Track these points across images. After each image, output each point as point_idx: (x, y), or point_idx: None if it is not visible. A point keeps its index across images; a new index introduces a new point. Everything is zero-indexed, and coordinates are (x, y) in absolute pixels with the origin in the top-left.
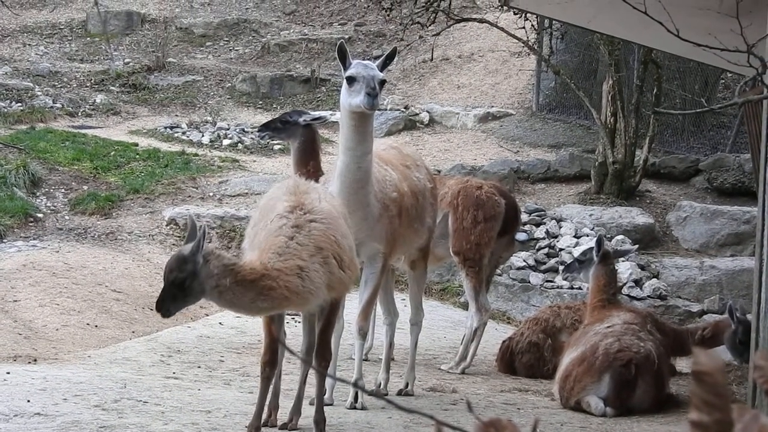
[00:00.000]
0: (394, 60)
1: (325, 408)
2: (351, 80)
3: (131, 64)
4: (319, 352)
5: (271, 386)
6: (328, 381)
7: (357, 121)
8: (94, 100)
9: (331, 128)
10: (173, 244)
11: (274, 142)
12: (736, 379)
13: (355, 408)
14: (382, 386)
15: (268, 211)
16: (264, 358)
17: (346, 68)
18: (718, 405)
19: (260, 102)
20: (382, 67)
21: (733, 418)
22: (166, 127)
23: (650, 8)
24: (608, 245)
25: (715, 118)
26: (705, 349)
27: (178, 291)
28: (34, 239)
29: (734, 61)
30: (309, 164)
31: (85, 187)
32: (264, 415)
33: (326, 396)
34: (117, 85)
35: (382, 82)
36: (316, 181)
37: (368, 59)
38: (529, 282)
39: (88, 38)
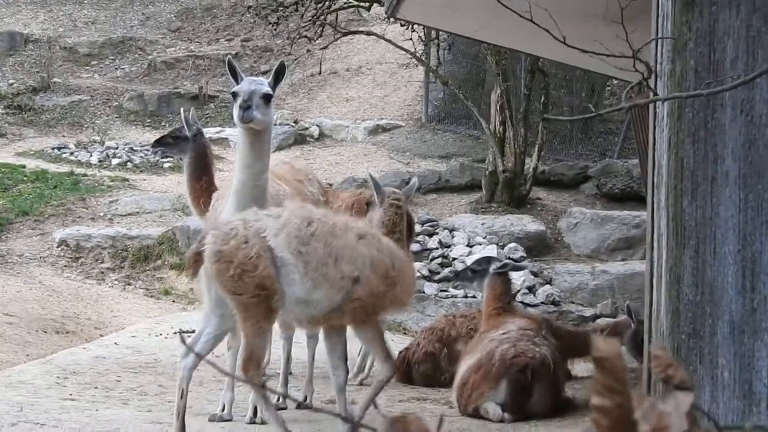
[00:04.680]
0: (285, 74)
1: (225, 424)
2: (234, 96)
3: (15, 85)
4: None
5: None
6: (227, 397)
7: (251, 138)
8: None
9: (220, 144)
10: (65, 266)
11: (165, 159)
12: (631, 380)
13: (254, 423)
14: (280, 401)
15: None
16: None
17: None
18: (618, 389)
19: (149, 120)
20: (274, 83)
21: (633, 401)
22: (53, 148)
23: (536, 17)
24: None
25: (603, 125)
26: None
27: None
28: None
29: (620, 66)
30: (202, 179)
31: None
32: None
33: (225, 412)
34: (1, 106)
35: (266, 97)
36: (209, 196)
37: (256, 74)
38: (424, 292)
39: None
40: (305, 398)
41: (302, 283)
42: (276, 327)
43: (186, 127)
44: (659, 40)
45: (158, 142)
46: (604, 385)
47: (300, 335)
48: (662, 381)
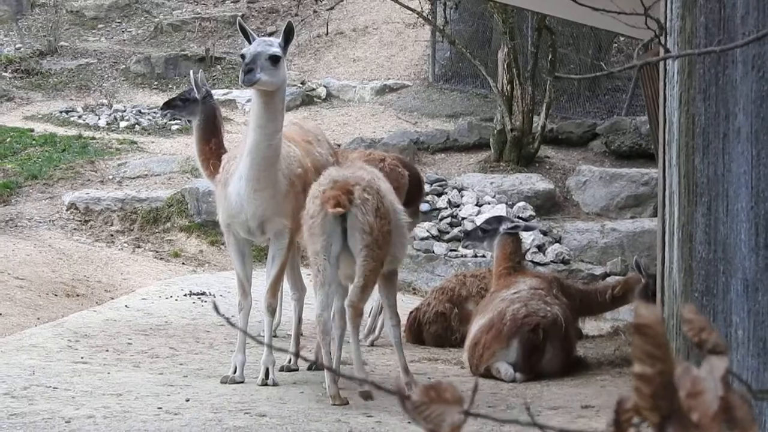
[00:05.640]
0: (294, 35)
1: (236, 386)
2: (243, 57)
3: (22, 49)
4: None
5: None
6: (239, 359)
7: (264, 98)
8: None
9: (228, 106)
10: (74, 229)
11: (173, 121)
12: None
13: (266, 384)
14: (292, 362)
15: None
16: None
17: None
18: (660, 356)
19: (155, 83)
20: (285, 45)
21: (674, 367)
22: (61, 112)
23: None
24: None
25: (610, 82)
26: (616, 307)
27: None
28: None
29: (631, 24)
30: (211, 141)
31: None
32: None
33: (237, 374)
34: (9, 71)
35: (273, 58)
36: (219, 158)
37: (263, 36)
38: (433, 252)
39: None
40: (317, 359)
41: (407, 238)
42: (287, 288)
43: (195, 90)
44: None
45: (167, 105)
46: (646, 352)
47: (311, 297)
48: (696, 345)
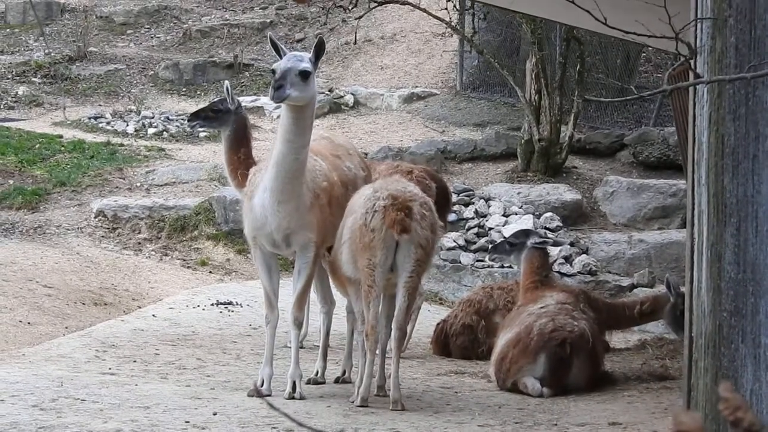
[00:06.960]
0: (325, 50)
1: (263, 399)
2: (273, 73)
3: (52, 54)
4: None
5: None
6: (266, 372)
7: (294, 113)
8: (16, 92)
9: (256, 113)
10: (102, 237)
11: (201, 129)
12: (669, 353)
13: (293, 398)
14: (319, 374)
15: None
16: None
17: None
18: None
19: (184, 89)
20: (315, 60)
21: None
22: (90, 118)
23: None
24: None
25: (638, 91)
26: (643, 323)
27: None
28: None
29: (663, 47)
30: (240, 152)
31: (11, 182)
32: None
33: (264, 387)
34: (39, 76)
35: (303, 73)
36: (247, 169)
37: (292, 43)
38: (460, 262)
39: (8, 29)
40: (343, 372)
41: None
42: (314, 298)
43: (229, 100)
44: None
45: (196, 116)
46: None
47: (339, 309)
48: (731, 424)
